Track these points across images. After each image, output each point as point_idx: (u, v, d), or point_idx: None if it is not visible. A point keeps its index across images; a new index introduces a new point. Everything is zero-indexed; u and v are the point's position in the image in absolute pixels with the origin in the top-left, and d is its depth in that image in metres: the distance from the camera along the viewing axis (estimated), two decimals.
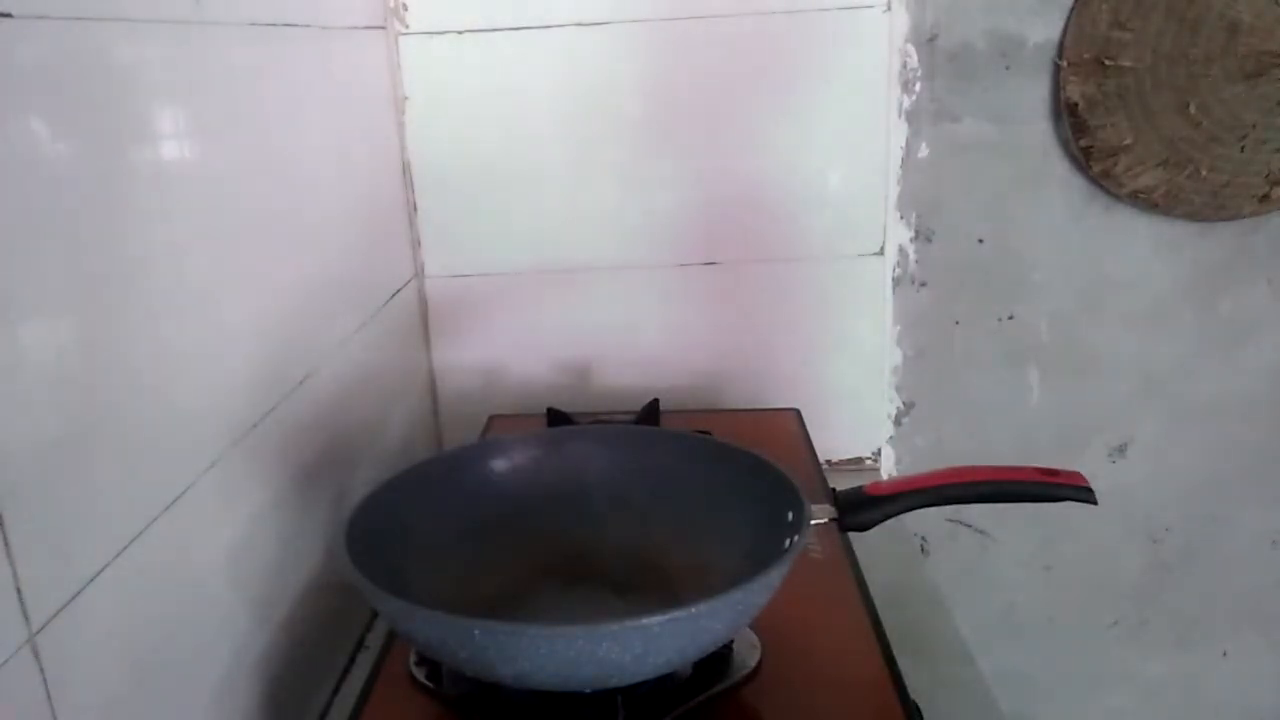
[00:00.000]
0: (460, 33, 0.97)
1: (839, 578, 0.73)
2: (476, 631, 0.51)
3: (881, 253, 1.03)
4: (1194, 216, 1.00)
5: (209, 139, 0.61)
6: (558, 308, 1.05)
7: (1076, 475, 0.65)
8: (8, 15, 0.42)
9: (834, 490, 0.66)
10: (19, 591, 0.41)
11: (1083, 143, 0.97)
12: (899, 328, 1.06)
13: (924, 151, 1.01)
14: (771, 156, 1.00)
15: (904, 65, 0.98)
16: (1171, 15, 0.93)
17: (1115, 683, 1.17)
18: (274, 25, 0.72)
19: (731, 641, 0.63)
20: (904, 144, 1.01)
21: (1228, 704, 1.18)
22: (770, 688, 0.61)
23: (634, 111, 0.99)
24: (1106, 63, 0.95)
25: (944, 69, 0.98)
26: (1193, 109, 0.96)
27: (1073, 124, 0.97)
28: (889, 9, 0.96)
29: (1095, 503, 0.63)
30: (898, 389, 1.08)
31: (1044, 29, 0.96)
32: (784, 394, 1.04)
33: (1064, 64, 0.96)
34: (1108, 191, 1.00)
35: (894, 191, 1.02)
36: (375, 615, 0.83)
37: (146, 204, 0.54)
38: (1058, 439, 1.09)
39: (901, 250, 1.04)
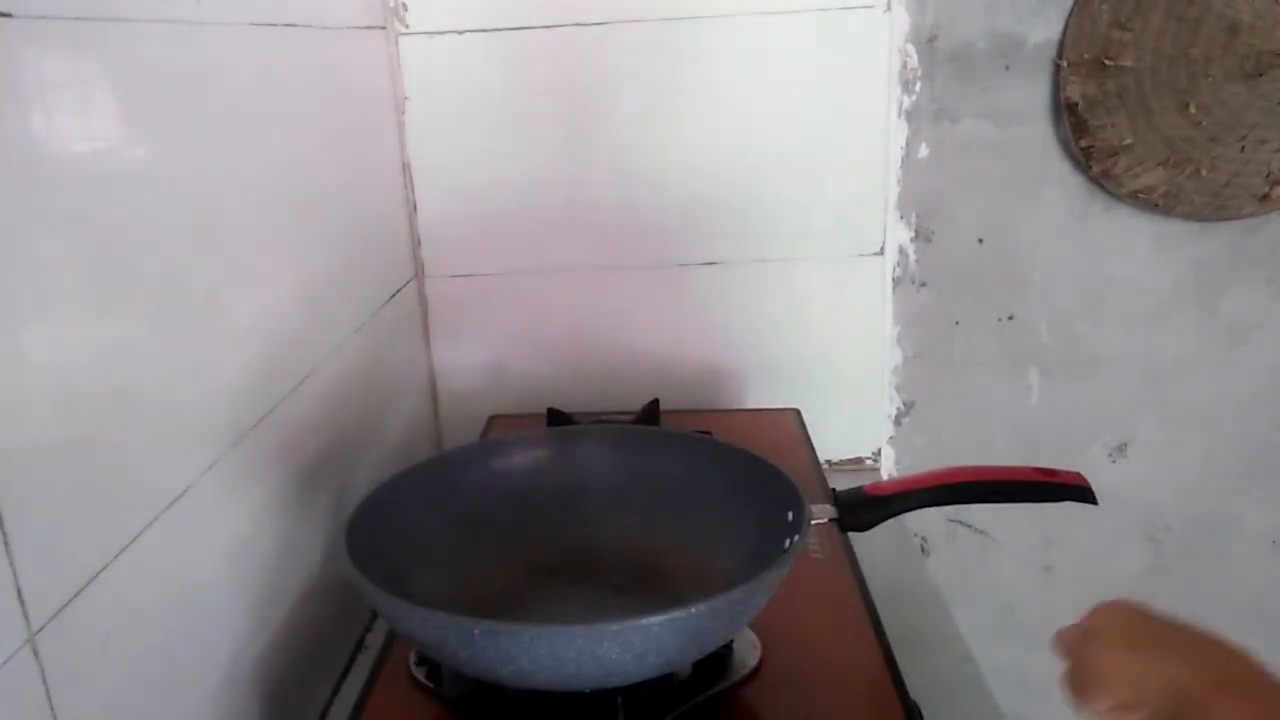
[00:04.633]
0: (460, 33, 0.97)
1: (839, 578, 0.73)
2: (476, 631, 0.51)
3: (881, 253, 1.03)
4: (1194, 216, 1.00)
5: (209, 139, 0.61)
6: (558, 308, 1.05)
7: (1076, 475, 0.65)
8: (8, 15, 0.42)
9: (834, 490, 0.66)
10: (19, 591, 0.41)
11: (1083, 143, 0.97)
12: (899, 328, 1.06)
13: (924, 151, 1.01)
14: (771, 156, 1.00)
15: (904, 65, 0.98)
16: (1171, 15, 0.93)
17: None
18: (274, 25, 0.72)
19: (731, 641, 0.63)
20: (904, 144, 1.00)
21: None
22: (770, 688, 0.61)
23: (633, 111, 0.99)
24: (1106, 63, 0.95)
25: (944, 69, 0.98)
26: (1193, 109, 0.96)
27: (1073, 124, 0.97)
28: (889, 9, 0.96)
29: (1095, 503, 0.63)
30: (898, 389, 1.08)
31: (1044, 29, 0.96)
32: (784, 394, 1.04)
33: (1064, 64, 0.96)
34: (1108, 191, 1.00)
35: (894, 191, 1.02)
36: (375, 615, 0.83)
37: (146, 204, 0.54)
38: (1058, 439, 1.09)
39: (901, 250, 1.04)
